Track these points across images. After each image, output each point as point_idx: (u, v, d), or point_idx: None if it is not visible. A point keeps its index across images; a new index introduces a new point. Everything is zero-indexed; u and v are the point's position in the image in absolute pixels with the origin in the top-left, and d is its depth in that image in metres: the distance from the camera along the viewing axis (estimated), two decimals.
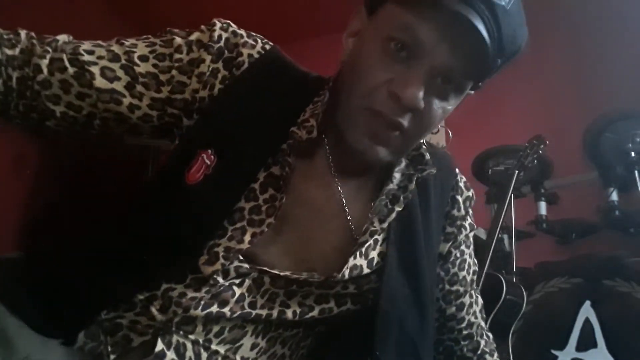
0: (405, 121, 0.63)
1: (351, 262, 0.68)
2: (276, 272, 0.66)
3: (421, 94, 0.60)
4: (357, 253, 0.69)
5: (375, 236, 0.71)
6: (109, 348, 0.65)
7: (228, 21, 0.72)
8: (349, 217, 0.71)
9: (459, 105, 0.72)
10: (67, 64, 0.65)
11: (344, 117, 0.66)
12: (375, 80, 0.62)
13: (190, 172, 0.66)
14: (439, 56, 0.60)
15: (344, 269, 0.67)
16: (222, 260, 0.64)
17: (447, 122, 0.78)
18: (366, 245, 0.70)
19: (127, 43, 0.68)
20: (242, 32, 0.72)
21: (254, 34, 0.73)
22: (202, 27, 0.70)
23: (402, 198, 0.72)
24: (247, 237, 0.65)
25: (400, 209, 0.71)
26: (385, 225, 0.71)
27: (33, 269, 0.70)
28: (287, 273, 0.67)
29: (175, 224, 0.65)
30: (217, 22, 0.70)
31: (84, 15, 2.51)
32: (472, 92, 0.71)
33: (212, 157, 0.66)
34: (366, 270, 0.69)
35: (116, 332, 0.66)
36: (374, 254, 0.70)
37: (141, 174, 2.40)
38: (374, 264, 0.70)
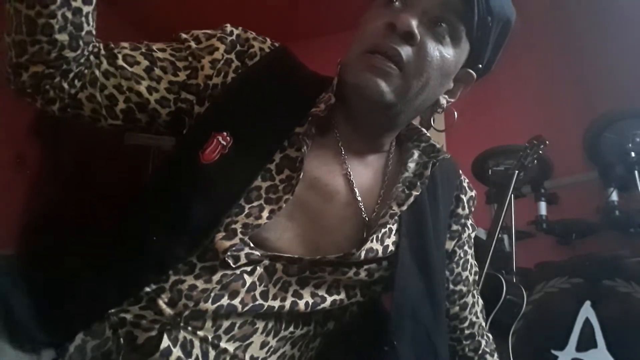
0: (403, 52, 0.65)
1: (368, 244, 0.69)
2: (290, 255, 0.67)
3: (415, 22, 0.64)
4: (375, 237, 0.70)
5: (390, 225, 0.72)
6: (121, 341, 0.63)
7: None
8: (360, 204, 0.72)
9: (462, 85, 0.75)
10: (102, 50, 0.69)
11: (347, 67, 0.69)
12: (374, 27, 0.67)
13: (205, 152, 0.67)
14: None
15: (362, 249, 0.68)
16: (240, 236, 0.64)
17: (447, 120, 0.78)
18: (383, 231, 0.71)
19: (143, 43, 0.72)
20: (251, 32, 0.76)
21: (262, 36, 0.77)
22: (214, 28, 0.74)
23: (419, 183, 0.74)
24: (265, 214, 0.65)
25: (417, 194, 0.73)
26: (404, 207, 0.72)
27: (29, 268, 0.68)
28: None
29: (190, 202, 0.65)
30: (228, 24, 0.75)
31: None
32: (475, 74, 0.74)
33: (228, 138, 0.68)
34: (380, 255, 0.70)
35: (121, 328, 0.64)
36: (389, 242, 0.71)
37: (141, 174, 2.40)
38: (388, 252, 0.71)
